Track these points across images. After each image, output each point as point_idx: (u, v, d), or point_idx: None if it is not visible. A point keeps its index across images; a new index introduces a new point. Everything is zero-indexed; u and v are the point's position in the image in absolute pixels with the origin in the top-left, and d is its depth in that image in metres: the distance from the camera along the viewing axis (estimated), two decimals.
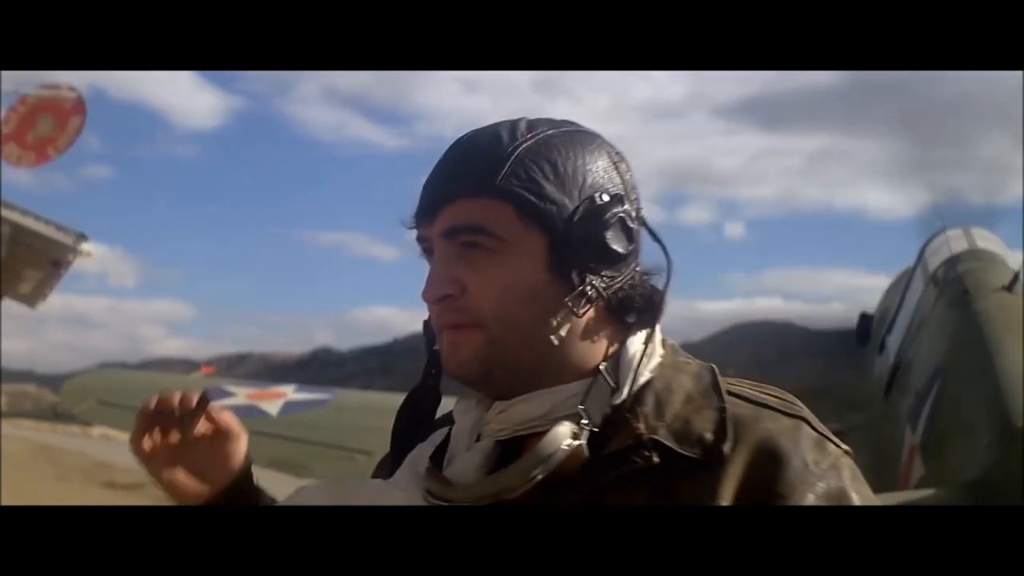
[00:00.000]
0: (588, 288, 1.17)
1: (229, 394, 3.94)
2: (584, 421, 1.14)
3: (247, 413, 3.70)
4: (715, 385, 1.20)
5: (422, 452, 1.29)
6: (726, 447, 1.12)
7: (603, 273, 1.18)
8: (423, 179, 1.24)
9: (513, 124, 1.22)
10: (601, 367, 1.19)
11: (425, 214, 1.22)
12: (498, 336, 1.18)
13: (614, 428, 1.15)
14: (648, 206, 1.24)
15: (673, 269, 1.23)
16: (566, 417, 1.15)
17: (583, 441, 1.13)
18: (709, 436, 1.13)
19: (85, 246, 9.79)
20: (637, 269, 1.22)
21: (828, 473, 1.13)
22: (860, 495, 1.14)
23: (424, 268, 1.23)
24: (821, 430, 1.17)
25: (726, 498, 1.10)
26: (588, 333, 1.20)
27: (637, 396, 1.17)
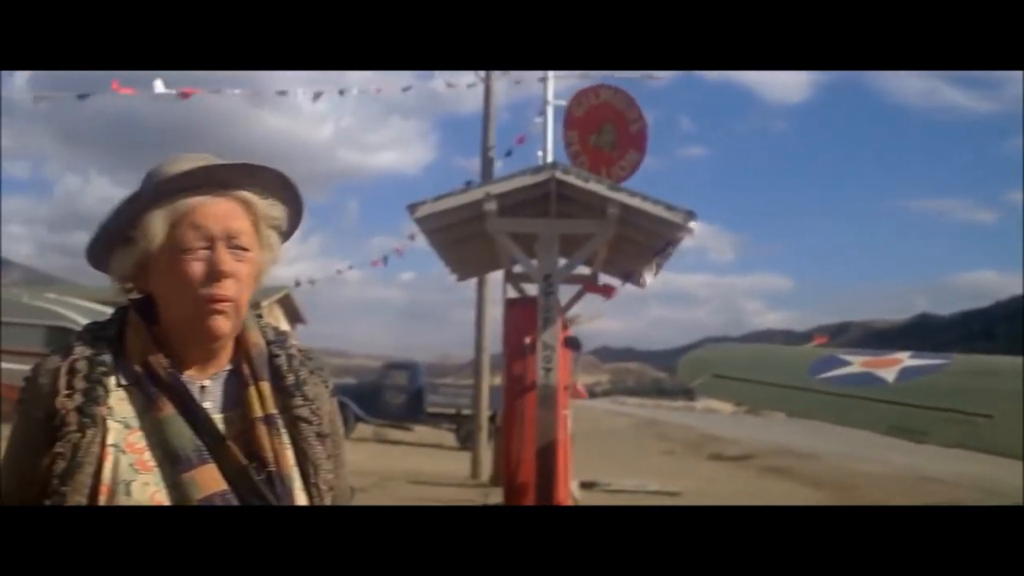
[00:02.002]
0: None
1: (845, 363, 4.00)
2: None
3: (864, 380, 3.74)
4: None
5: None
6: None
7: None
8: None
9: None
10: None
11: None
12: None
13: None
14: None
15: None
16: None
17: None
18: None
19: (693, 224, 9.72)
20: None
21: None
22: None
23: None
24: None
25: None
26: None
27: None
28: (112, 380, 1.84)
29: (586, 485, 17.59)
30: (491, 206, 9.83)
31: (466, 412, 25.13)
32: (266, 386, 1.94)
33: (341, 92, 18.58)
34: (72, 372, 1.82)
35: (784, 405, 4.80)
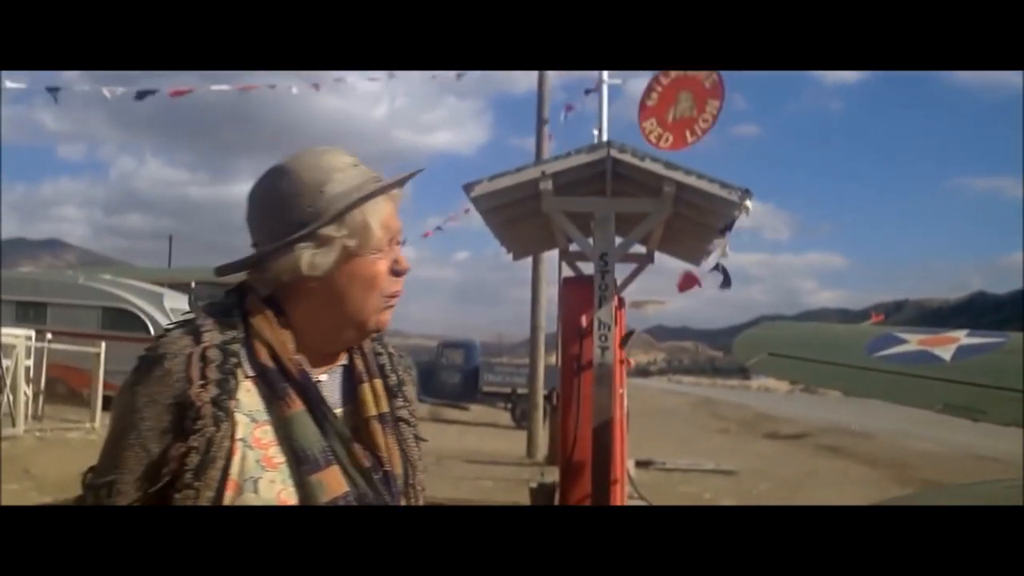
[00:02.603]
0: None
1: (902, 341, 3.98)
2: None
3: (921, 359, 3.73)
4: None
5: None
6: None
7: None
8: None
9: None
10: None
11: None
12: None
13: None
14: None
15: None
16: None
17: None
18: None
19: (749, 202, 9.58)
20: None
21: None
22: None
23: None
24: None
25: None
26: None
27: None
28: (240, 371, 1.80)
29: (642, 464, 17.62)
30: (547, 185, 9.82)
31: (521, 391, 25.21)
32: (379, 384, 1.96)
33: (391, 75, 18.62)
34: (205, 360, 1.77)
35: (840, 383, 4.78)
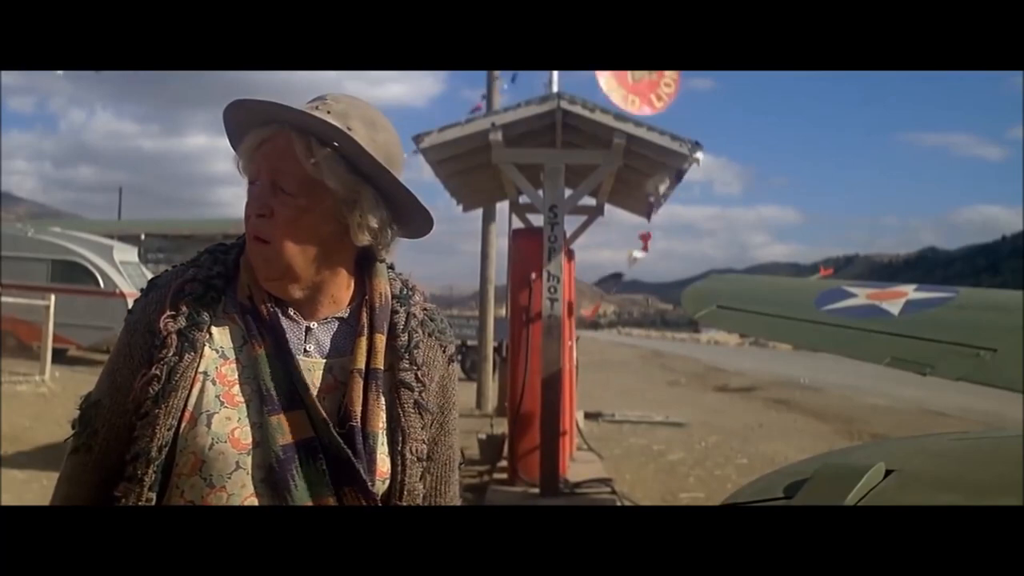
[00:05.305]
0: None
1: (850, 295, 3.98)
2: None
3: (869, 313, 3.73)
4: None
5: None
6: None
7: None
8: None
9: None
10: None
11: None
12: None
13: None
14: None
15: None
16: None
17: None
18: None
19: (699, 154, 9.57)
20: None
21: None
22: None
23: None
24: None
25: None
26: None
27: None
28: (219, 307, 1.84)
29: (591, 416, 17.69)
30: (497, 136, 9.74)
31: (471, 343, 25.18)
32: (381, 339, 1.89)
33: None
34: (181, 293, 1.82)
35: (789, 337, 4.81)
